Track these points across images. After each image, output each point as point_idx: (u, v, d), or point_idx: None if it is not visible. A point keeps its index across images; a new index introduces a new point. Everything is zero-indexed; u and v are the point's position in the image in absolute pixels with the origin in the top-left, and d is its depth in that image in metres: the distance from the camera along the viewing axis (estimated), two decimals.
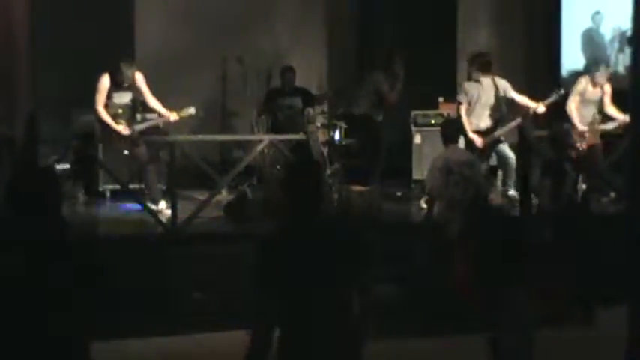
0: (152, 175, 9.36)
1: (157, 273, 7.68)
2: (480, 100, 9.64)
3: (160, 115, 9.37)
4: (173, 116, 9.30)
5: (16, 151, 8.58)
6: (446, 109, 11.06)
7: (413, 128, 10.87)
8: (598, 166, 9.94)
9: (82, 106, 9.65)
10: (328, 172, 10.05)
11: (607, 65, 10.75)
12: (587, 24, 12.22)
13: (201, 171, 9.26)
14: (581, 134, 9.86)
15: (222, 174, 9.54)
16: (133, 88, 9.32)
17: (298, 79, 11.34)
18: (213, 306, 7.83)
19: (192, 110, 9.36)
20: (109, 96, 9.22)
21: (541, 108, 9.67)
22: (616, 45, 11.98)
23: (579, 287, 7.92)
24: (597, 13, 12.11)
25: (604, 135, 10.10)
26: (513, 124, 9.68)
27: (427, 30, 11.76)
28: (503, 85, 9.86)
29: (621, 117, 9.80)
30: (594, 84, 10.09)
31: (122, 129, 9.20)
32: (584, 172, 9.88)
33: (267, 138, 9.88)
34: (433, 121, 10.79)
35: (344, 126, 10.82)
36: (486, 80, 9.72)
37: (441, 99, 11.33)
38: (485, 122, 9.69)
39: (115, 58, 9.33)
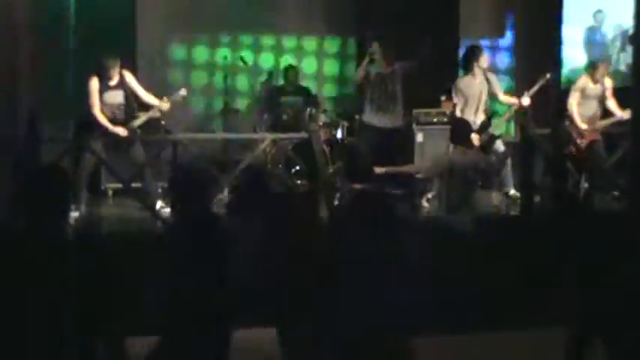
0: (150, 176, 9.29)
1: (158, 272, 7.66)
2: (474, 97, 9.64)
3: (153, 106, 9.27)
4: (164, 104, 9.17)
5: (18, 151, 8.58)
6: (448, 108, 11.04)
7: (415, 127, 10.83)
8: (600, 163, 9.93)
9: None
10: (330, 170, 10.06)
11: (608, 61, 10.75)
12: (589, 22, 12.21)
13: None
14: (582, 132, 9.86)
15: (224, 173, 9.53)
16: (124, 86, 9.18)
17: (300, 77, 11.37)
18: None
19: (183, 92, 9.26)
20: (100, 98, 9.08)
21: (526, 100, 9.70)
22: (618, 43, 11.97)
23: (579, 287, 7.91)
24: (599, 11, 12.10)
25: (607, 133, 10.09)
26: (507, 115, 9.73)
27: (428, 28, 11.73)
28: (494, 80, 9.94)
29: (619, 113, 9.81)
30: (595, 80, 10.05)
31: (120, 130, 9.15)
32: (587, 170, 9.90)
33: (269, 136, 9.89)
34: (435, 120, 10.76)
35: (346, 124, 10.84)
36: (479, 74, 9.76)
37: (442, 97, 11.30)
38: (480, 117, 9.70)
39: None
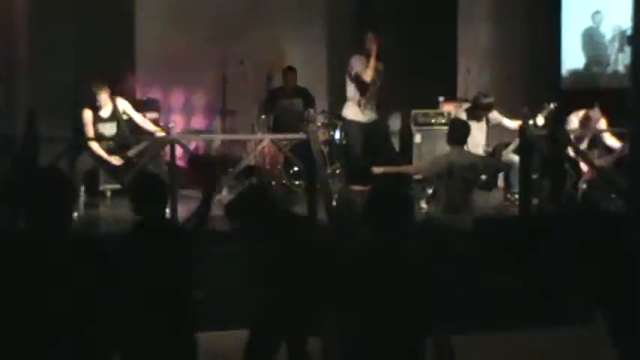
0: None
1: (157, 273, 7.66)
2: (474, 138, 9.57)
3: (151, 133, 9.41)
4: (159, 133, 9.37)
5: (16, 150, 8.57)
6: (446, 109, 11.06)
7: (413, 127, 10.87)
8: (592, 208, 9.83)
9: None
10: (328, 171, 10.06)
11: (607, 65, 10.71)
12: (588, 23, 12.22)
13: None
14: (580, 173, 9.77)
15: (222, 173, 9.53)
16: (117, 117, 9.28)
17: (299, 78, 11.37)
18: (212, 306, 7.82)
19: (172, 124, 9.38)
20: (95, 129, 9.18)
21: (540, 120, 9.65)
22: (616, 44, 11.97)
23: (579, 287, 7.92)
24: (597, 12, 12.10)
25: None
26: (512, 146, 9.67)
27: (427, 28, 11.76)
28: (496, 115, 9.91)
29: (618, 145, 9.76)
30: (586, 127, 9.97)
31: (114, 160, 9.19)
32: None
33: (267, 137, 9.89)
34: (433, 120, 10.78)
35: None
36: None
37: (441, 98, 11.32)
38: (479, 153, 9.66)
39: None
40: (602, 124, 10.05)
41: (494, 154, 9.87)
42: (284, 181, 10.44)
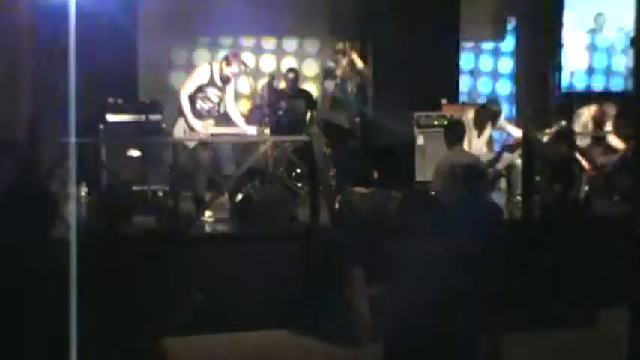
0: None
1: (159, 274, 7.67)
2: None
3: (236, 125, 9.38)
4: (251, 130, 9.38)
5: (18, 153, 8.57)
6: (449, 111, 11.04)
7: (415, 129, 10.86)
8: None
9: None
10: (330, 173, 10.06)
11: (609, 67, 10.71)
12: (591, 25, 12.23)
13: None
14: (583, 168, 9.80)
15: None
16: (223, 89, 9.26)
17: (301, 80, 11.38)
18: (215, 307, 7.83)
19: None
20: (201, 89, 9.13)
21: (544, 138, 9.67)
22: (619, 46, 12.00)
23: (580, 288, 7.92)
24: (600, 14, 12.11)
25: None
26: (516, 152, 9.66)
27: (430, 31, 11.74)
28: (500, 123, 9.93)
29: (622, 146, 9.76)
30: (598, 123, 9.98)
31: (194, 125, 9.11)
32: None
33: (270, 139, 9.89)
34: (436, 122, 10.77)
35: None
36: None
37: (444, 100, 11.30)
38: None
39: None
40: (609, 125, 10.06)
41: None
42: (287, 183, 10.42)
